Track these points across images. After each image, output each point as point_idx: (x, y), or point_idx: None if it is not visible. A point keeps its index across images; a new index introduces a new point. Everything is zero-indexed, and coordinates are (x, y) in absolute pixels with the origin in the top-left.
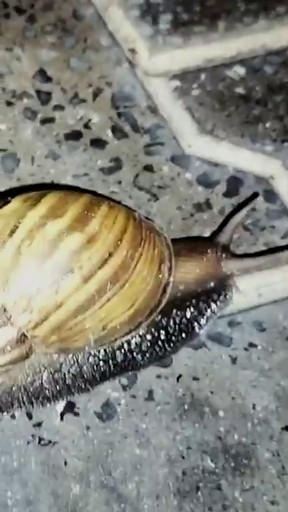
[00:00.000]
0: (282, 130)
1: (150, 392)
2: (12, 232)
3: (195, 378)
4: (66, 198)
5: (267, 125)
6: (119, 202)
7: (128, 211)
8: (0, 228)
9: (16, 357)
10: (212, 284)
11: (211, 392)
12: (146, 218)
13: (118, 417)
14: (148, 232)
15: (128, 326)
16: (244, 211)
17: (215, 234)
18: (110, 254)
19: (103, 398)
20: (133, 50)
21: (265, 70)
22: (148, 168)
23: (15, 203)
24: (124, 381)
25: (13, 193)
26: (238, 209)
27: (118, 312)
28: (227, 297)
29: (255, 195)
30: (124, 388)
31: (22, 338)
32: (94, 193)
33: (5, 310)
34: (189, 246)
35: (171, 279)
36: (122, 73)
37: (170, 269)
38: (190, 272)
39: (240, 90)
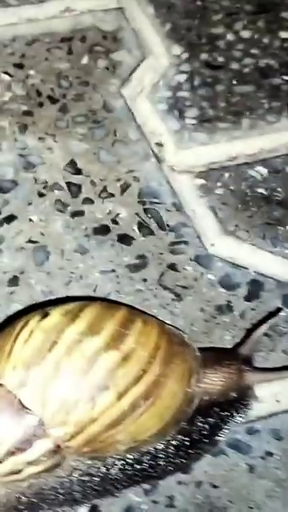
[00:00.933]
0: None
1: (171, 498)
2: (52, 347)
3: (214, 486)
4: (103, 314)
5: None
6: (147, 314)
7: (160, 326)
8: (41, 342)
9: (49, 466)
10: (234, 394)
11: (229, 501)
12: (174, 326)
13: None
14: (179, 347)
15: (156, 437)
16: (266, 326)
17: (238, 346)
18: (144, 372)
19: (125, 502)
20: (159, 144)
21: (287, 171)
22: (172, 267)
23: (55, 317)
24: (146, 485)
25: (51, 303)
26: (260, 321)
27: (147, 426)
28: (247, 406)
29: (279, 310)
30: (146, 493)
31: (57, 449)
32: (121, 302)
33: (42, 423)
34: (214, 357)
35: (199, 390)
36: (149, 168)
37: (197, 381)
38: (214, 383)
39: (262, 191)
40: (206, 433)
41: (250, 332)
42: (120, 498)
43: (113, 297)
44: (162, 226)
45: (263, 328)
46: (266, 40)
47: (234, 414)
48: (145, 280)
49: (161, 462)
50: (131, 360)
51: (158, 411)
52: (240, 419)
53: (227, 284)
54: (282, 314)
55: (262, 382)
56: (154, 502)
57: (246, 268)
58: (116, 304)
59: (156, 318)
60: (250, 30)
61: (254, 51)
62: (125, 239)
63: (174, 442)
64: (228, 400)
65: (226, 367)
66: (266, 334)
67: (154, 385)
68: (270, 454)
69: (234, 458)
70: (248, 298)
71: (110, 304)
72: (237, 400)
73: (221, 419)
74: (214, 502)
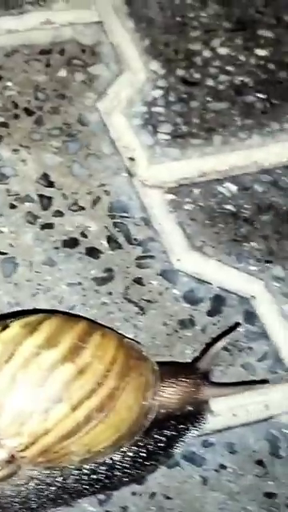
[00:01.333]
0: (267, 251)
1: (125, 509)
2: (9, 359)
3: (167, 497)
4: (62, 327)
5: (253, 244)
6: (107, 328)
7: (119, 339)
8: None
9: (4, 475)
10: (190, 408)
11: None
12: (134, 340)
13: None
14: (136, 360)
15: (111, 448)
16: (224, 341)
17: (196, 360)
18: (99, 385)
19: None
20: (132, 159)
21: (255, 189)
22: (138, 281)
23: (14, 329)
24: (101, 496)
25: (16, 314)
26: (219, 336)
27: (102, 438)
28: (203, 420)
29: (237, 324)
30: (100, 503)
31: (11, 459)
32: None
33: None
34: (171, 371)
35: (155, 403)
36: (121, 182)
37: (154, 394)
38: (171, 397)
39: (230, 207)
40: (161, 445)
41: (208, 347)
42: (75, 507)
43: (78, 309)
44: (129, 240)
45: (221, 343)
46: (242, 57)
47: (190, 427)
48: (110, 293)
49: (117, 473)
50: (87, 373)
51: (112, 423)
52: (195, 432)
53: (191, 299)
54: (241, 329)
55: (218, 396)
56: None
57: (210, 283)
58: (76, 317)
59: (116, 332)
60: (227, 47)
61: (229, 68)
62: (93, 252)
63: (130, 454)
64: (184, 413)
65: (183, 381)
66: (225, 349)
67: (109, 398)
68: (223, 466)
69: (188, 470)
70: (210, 313)
71: (69, 317)
72: (193, 413)
73: (177, 432)
74: None
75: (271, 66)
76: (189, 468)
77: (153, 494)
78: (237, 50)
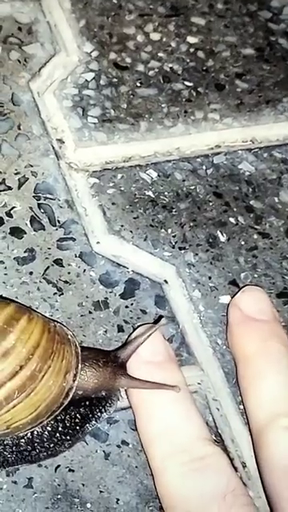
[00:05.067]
0: (181, 238)
1: (30, 479)
2: None
3: (71, 470)
4: None
5: (169, 231)
6: (35, 311)
7: (44, 323)
8: None
9: None
10: (103, 393)
11: (83, 484)
12: (57, 321)
13: None
14: (59, 344)
15: (30, 425)
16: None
17: (118, 349)
18: (21, 367)
19: None
20: (60, 141)
21: (175, 176)
22: (58, 262)
23: None
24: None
25: None
26: (142, 330)
27: (21, 416)
28: (113, 404)
29: (160, 318)
30: (8, 474)
31: None
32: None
33: None
34: (93, 355)
35: (75, 385)
36: (48, 163)
37: (74, 376)
38: (89, 380)
39: (150, 194)
40: (77, 421)
41: (131, 339)
42: None
43: None
44: (53, 221)
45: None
46: (173, 44)
47: (101, 410)
48: (31, 273)
49: (37, 447)
50: (10, 356)
51: (32, 403)
52: (105, 414)
53: (106, 281)
54: (152, 311)
55: (131, 387)
56: (14, 482)
57: (126, 267)
58: (5, 300)
59: (44, 316)
60: (159, 32)
61: (160, 54)
62: (16, 232)
63: (48, 428)
64: (98, 397)
65: (102, 367)
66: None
67: (30, 379)
68: (125, 443)
69: (92, 445)
70: (123, 296)
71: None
72: (105, 398)
73: (90, 412)
74: (68, 485)
75: (200, 54)
76: (93, 443)
77: (57, 467)
78: (169, 36)
